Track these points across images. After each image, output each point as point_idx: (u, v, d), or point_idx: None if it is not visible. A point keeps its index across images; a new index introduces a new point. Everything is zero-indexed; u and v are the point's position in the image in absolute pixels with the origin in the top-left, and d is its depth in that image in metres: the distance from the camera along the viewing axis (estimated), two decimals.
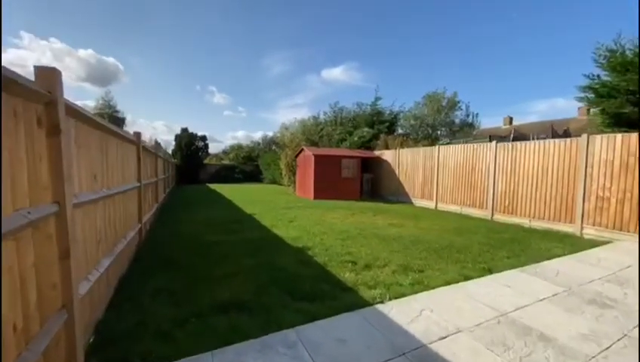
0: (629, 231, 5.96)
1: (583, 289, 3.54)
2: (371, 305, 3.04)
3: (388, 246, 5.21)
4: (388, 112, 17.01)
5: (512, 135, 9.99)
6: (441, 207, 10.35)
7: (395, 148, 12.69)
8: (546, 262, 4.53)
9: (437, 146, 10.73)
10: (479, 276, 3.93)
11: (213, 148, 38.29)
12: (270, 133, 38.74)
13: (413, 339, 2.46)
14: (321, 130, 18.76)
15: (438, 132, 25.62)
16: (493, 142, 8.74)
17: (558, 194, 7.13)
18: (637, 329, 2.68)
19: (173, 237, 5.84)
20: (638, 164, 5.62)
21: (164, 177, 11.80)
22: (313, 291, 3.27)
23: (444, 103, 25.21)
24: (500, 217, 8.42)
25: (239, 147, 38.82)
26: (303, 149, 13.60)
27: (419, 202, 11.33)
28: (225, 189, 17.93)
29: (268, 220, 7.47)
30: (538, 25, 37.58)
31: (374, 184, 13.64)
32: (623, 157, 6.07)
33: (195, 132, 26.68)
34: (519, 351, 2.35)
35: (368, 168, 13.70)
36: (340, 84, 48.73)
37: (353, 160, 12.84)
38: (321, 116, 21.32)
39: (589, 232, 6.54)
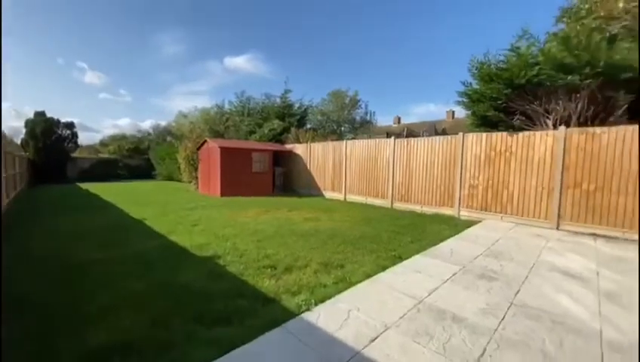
0: (491, 211, 7.45)
1: (472, 266, 4.10)
2: (297, 314, 2.72)
3: (307, 244, 5.01)
4: (297, 106, 16.98)
5: (404, 132, 11.30)
6: (350, 198, 10.92)
7: (307, 142, 12.73)
8: (441, 244, 5.15)
9: (344, 141, 11.23)
10: (393, 264, 4.12)
11: (86, 139, 31.00)
12: (163, 122, 33.85)
13: (346, 348, 2.26)
14: (227, 120, 17.32)
15: (342, 128, 27.40)
16: (392, 138, 9.65)
17: (442, 183, 8.38)
18: (519, 295, 3.20)
19: (21, 260, 4.17)
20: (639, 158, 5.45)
21: (6, 175, 8.64)
22: (228, 311, 2.73)
23: (346, 101, 27.08)
24: (398, 205, 9.40)
25: (122, 137, 32.57)
26: (206, 141, 12.17)
27: (329, 194, 11.69)
28: (104, 189, 14.60)
29: (164, 225, 6.25)
30: (421, 40, 44.24)
31: (287, 178, 13.41)
32: (486, 151, 7.52)
33: (56, 117, 20.85)
34: (440, 337, 2.43)
35: (280, 162, 13.36)
36: (244, 73, 46.51)
37: (265, 153, 12.26)
38: (226, 106, 19.76)
39: (464, 214, 7.91)
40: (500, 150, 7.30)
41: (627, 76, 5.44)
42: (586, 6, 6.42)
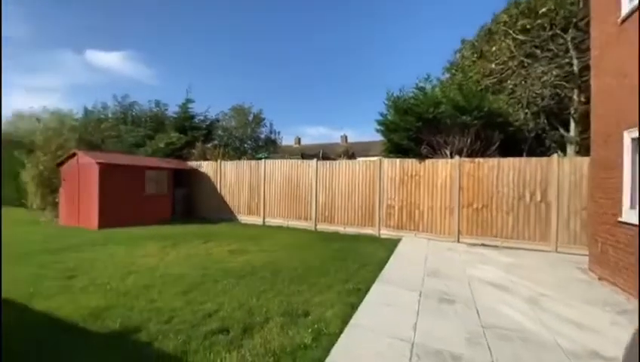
0: (407, 229, 8.22)
1: (427, 290, 4.21)
2: None
3: (251, 287, 4.13)
4: (201, 118, 15.09)
5: (320, 154, 11.53)
6: (269, 221, 10.18)
7: (216, 160, 11.32)
8: (387, 268, 5.19)
9: (263, 161, 10.54)
10: (358, 299, 3.80)
11: None
12: None
13: None
14: (112, 127, 13.76)
15: (245, 145, 26.27)
16: (314, 160, 9.63)
17: (364, 204, 8.79)
18: (482, 317, 3.38)
19: None
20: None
21: None
22: None
23: (250, 118, 26.25)
24: (321, 227, 9.31)
25: None
26: (75, 154, 9.13)
27: (246, 219, 10.61)
28: None
29: (14, 283, 4.06)
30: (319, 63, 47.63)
31: (190, 201, 11.47)
32: (400, 175, 8.34)
33: None
34: None
35: (181, 182, 11.36)
36: (117, 75, 38.49)
37: (163, 172, 10.15)
38: (95, 109, 15.73)
39: (384, 233, 8.46)
40: (411, 174, 8.24)
41: (500, 121, 7.26)
42: (466, 63, 8.30)
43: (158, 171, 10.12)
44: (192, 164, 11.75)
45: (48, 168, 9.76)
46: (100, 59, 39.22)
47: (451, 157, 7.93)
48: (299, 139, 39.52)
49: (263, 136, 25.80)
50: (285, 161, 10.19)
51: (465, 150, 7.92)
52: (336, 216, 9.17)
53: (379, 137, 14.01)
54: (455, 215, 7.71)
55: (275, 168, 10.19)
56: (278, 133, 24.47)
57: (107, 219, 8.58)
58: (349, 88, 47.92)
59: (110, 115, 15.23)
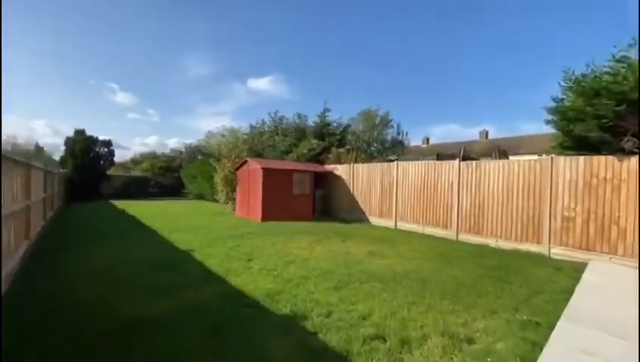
0: (595, 251, 6.13)
1: None
2: None
3: (398, 295, 3.98)
4: (335, 125, 16.37)
5: (461, 153, 10.20)
6: (401, 225, 9.82)
7: (349, 163, 11.89)
8: (573, 302, 3.95)
9: (395, 162, 10.29)
10: (540, 337, 3.02)
11: (118, 157, 31.78)
12: (191, 141, 34.38)
13: None
14: (269, 138, 16.93)
15: (372, 148, 26.55)
16: (456, 161, 8.60)
17: (524, 213, 7.15)
18: None
19: (54, 314, 3.42)
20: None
21: (45, 196, 8.33)
22: None
23: (377, 121, 26.36)
24: (465, 237, 8.19)
25: (154, 156, 33.27)
26: (246, 161, 11.59)
27: (376, 221, 10.63)
28: (139, 208, 14.27)
29: (216, 260, 5.43)
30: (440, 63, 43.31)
31: (326, 201, 12.52)
32: (585, 178, 6.30)
33: (94, 135, 21.41)
34: None
35: (319, 184, 12.54)
36: (266, 95, 46.70)
37: (306, 174, 11.49)
38: (257, 125, 19.54)
39: (557, 252, 6.60)
40: (605, 176, 6.08)
41: None
42: None
43: (302, 174, 11.49)
44: (329, 167, 12.76)
45: (230, 172, 12.75)
46: (256, 84, 48.63)
47: None
48: (427, 139, 37.02)
49: (389, 137, 25.41)
50: (419, 162, 9.57)
51: None
52: (485, 225, 7.85)
53: (528, 132, 11.21)
54: None
55: (407, 170, 9.74)
56: (406, 133, 23.47)
57: (267, 214, 10.42)
58: (489, 77, 40.87)
59: (267, 129, 18.58)
